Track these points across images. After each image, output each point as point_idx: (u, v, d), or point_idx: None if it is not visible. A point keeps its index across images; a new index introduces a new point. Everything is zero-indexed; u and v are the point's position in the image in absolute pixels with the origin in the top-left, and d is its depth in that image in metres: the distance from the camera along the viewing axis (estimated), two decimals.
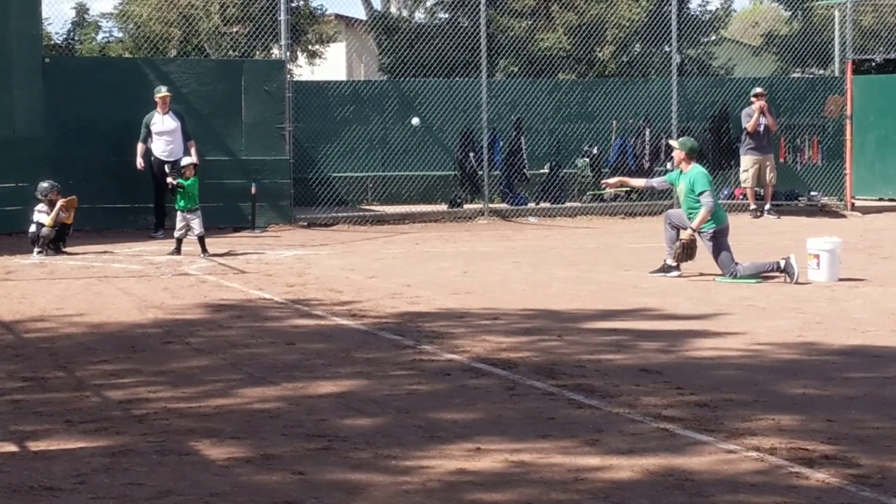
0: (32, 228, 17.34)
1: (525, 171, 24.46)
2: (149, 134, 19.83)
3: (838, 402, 8.11)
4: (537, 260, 16.61)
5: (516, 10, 29.43)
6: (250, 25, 25.87)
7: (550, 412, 7.82)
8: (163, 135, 19.78)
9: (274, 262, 16.46)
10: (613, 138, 25.03)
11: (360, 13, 35.21)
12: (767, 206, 23.50)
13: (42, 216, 17.24)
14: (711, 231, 14.34)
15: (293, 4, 25.20)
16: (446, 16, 30.18)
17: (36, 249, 17.08)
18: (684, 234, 14.37)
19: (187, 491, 6.15)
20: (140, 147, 19.87)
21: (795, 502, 5.97)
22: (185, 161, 17.65)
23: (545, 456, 6.77)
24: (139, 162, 19.86)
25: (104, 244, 18.49)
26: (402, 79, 25.54)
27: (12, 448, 7.00)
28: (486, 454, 6.81)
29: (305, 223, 21.80)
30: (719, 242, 14.35)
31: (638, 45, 29.77)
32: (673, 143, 15.79)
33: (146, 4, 27.97)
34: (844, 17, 25.85)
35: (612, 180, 16.25)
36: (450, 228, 22.00)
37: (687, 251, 14.42)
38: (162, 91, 19.92)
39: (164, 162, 19.44)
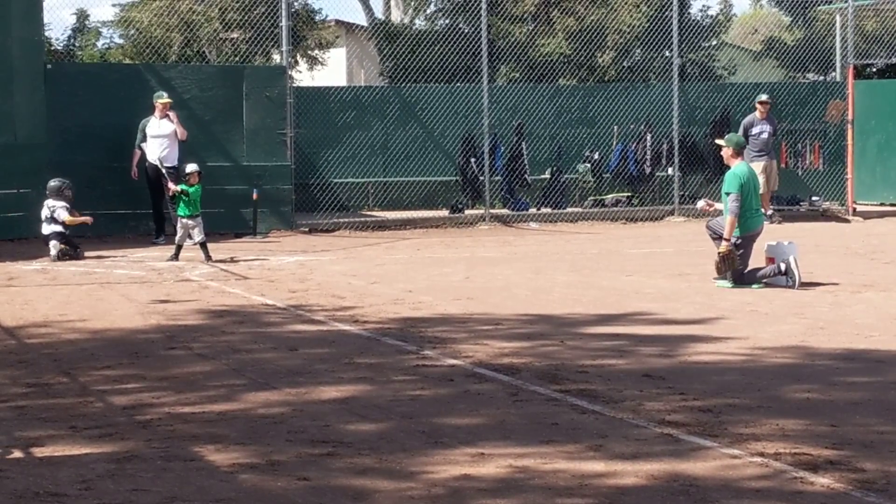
0: (57, 228, 17.39)
1: (526, 176, 24.47)
2: (145, 138, 19.84)
3: (842, 406, 8.12)
4: (539, 265, 16.60)
5: (517, 16, 29.45)
6: (251, 31, 25.88)
7: (554, 417, 7.82)
8: (157, 138, 19.78)
9: (276, 268, 16.46)
10: (615, 143, 25.04)
11: (361, 19, 35.26)
12: (770, 212, 23.49)
13: (63, 213, 17.37)
14: (736, 238, 14.07)
15: (293, 9, 25.17)
16: (447, 21, 30.19)
17: (55, 251, 17.22)
18: (721, 247, 14.05)
19: (192, 497, 6.16)
20: (136, 153, 19.90)
21: None
22: (189, 168, 17.61)
23: (549, 461, 6.77)
24: (133, 170, 19.92)
25: (106, 250, 18.50)
26: (403, 84, 25.55)
27: (17, 454, 7.01)
28: (491, 459, 6.81)
29: (307, 229, 21.80)
30: (741, 249, 14.11)
31: (639, 50, 29.77)
32: (720, 141, 15.14)
33: (147, 10, 27.98)
34: (846, 22, 25.87)
35: (703, 204, 15.56)
36: (451, 234, 22.01)
37: (727, 262, 14.03)
38: (163, 97, 19.94)
39: (158, 167, 19.44)
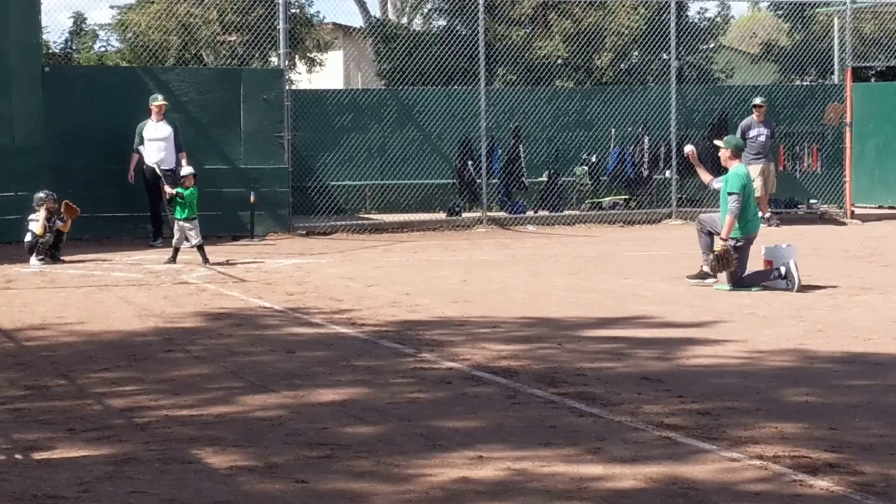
0: (28, 237, 17.37)
1: (523, 179, 24.46)
2: (142, 142, 19.81)
3: (841, 409, 8.11)
4: (536, 268, 16.60)
5: (514, 19, 29.45)
6: (248, 34, 25.88)
7: (552, 420, 7.81)
8: (155, 141, 19.76)
9: (273, 271, 16.45)
10: (612, 146, 25.03)
11: (358, 21, 35.24)
12: (768, 215, 23.48)
13: (34, 224, 17.29)
14: (735, 241, 14.01)
15: (291, 12, 25.15)
16: (444, 24, 30.20)
17: (36, 257, 17.10)
18: (717, 245, 14.01)
19: (190, 499, 6.15)
20: (134, 157, 19.87)
21: None
22: (184, 171, 17.62)
23: (547, 464, 6.76)
24: (130, 174, 19.90)
25: (104, 253, 18.50)
26: (401, 87, 25.54)
27: (16, 456, 6.99)
28: (488, 462, 6.80)
29: (304, 232, 21.80)
30: (739, 252, 14.09)
31: (636, 53, 29.78)
32: (718, 142, 15.10)
33: (144, 13, 27.98)
34: (844, 24, 25.87)
35: (691, 150, 15.58)
36: (448, 237, 22.00)
37: (723, 262, 13.95)
38: (158, 99, 19.93)
39: (155, 170, 19.42)
